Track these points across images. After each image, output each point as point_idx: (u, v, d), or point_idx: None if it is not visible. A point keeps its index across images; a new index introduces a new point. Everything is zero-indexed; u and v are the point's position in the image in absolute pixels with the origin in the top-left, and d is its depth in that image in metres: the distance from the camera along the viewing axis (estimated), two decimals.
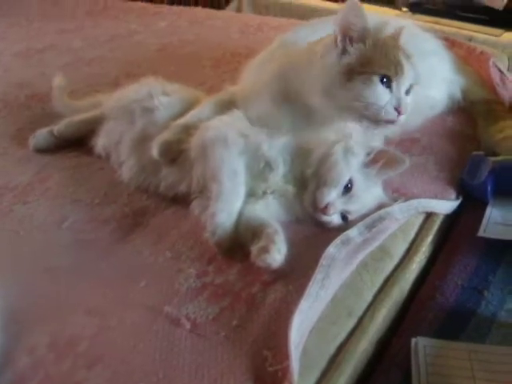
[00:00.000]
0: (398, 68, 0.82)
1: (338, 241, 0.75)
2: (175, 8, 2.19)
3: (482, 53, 1.27)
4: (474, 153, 1.00)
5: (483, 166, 0.95)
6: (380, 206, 0.83)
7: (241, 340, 0.65)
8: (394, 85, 0.82)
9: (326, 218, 0.80)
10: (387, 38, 0.86)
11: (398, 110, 0.81)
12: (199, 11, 2.10)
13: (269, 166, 0.82)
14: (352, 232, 0.77)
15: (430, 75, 1.05)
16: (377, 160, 0.83)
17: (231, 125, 0.85)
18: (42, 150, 1.10)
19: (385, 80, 0.81)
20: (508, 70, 1.36)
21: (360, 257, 0.77)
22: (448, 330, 0.73)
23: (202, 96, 1.02)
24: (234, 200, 0.80)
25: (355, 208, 0.82)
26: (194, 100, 0.99)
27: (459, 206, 0.93)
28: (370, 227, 0.79)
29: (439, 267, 0.86)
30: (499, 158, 0.97)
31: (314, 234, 0.80)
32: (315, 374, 0.65)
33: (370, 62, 0.82)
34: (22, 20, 2.01)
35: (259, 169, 0.82)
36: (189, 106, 0.96)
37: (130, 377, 0.62)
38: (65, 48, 1.70)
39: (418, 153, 1.01)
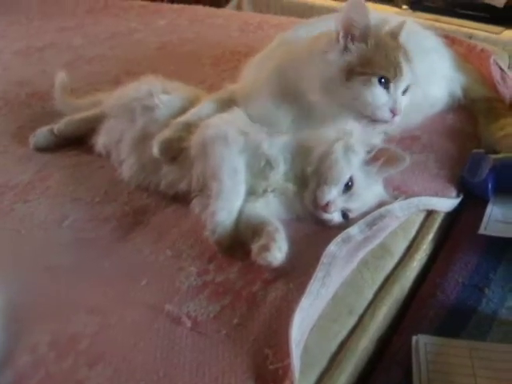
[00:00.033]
0: (397, 70, 0.83)
1: (338, 239, 0.75)
2: (175, 6, 2.18)
3: (482, 50, 1.26)
4: (475, 151, 1.00)
5: (484, 163, 0.94)
6: (381, 204, 0.83)
7: (242, 338, 0.65)
8: (391, 86, 0.83)
9: (326, 216, 0.80)
10: (388, 37, 0.86)
11: (393, 111, 0.83)
12: (199, 9, 2.09)
13: (269, 164, 0.82)
14: (353, 230, 0.77)
15: (430, 73, 1.05)
16: (377, 158, 0.82)
17: (231, 123, 0.85)
18: (42, 149, 1.10)
19: (383, 81, 0.81)
20: (509, 67, 1.35)
21: (361, 255, 0.77)
22: (449, 328, 0.73)
23: (202, 94, 1.02)
24: (234, 198, 0.80)
25: (356, 206, 0.82)
26: (194, 98, 0.99)
27: (460, 204, 0.93)
28: (370, 225, 0.79)
29: (440, 265, 0.86)
30: (500, 156, 0.97)
31: (314, 232, 0.80)
32: (316, 371, 0.65)
33: (370, 62, 0.82)
34: (22, 18, 2.01)
35: (259, 167, 0.82)
36: (189, 105, 0.96)
37: (131, 375, 0.62)
38: (65, 46, 1.70)
39: (419, 151, 1.01)
